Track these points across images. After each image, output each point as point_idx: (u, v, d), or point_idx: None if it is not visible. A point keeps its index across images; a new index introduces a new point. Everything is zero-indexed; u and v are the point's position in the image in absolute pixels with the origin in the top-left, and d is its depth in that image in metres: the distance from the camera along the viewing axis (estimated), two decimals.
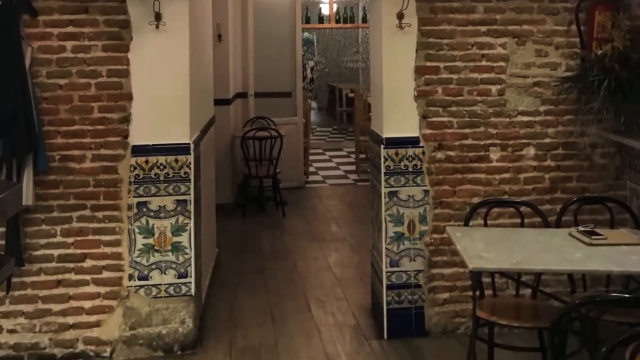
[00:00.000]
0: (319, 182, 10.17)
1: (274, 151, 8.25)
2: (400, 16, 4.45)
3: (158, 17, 4.23)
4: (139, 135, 4.38)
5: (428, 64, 4.63)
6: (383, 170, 4.62)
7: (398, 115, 4.64)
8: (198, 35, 4.97)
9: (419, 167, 4.65)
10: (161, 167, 4.37)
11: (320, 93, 22.18)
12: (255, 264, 6.35)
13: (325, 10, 13.33)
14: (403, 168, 4.63)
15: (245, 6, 9.19)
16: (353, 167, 11.18)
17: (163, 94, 4.36)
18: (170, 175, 4.38)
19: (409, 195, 4.64)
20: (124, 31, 4.30)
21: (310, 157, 11.04)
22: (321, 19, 12.73)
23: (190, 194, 4.41)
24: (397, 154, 4.62)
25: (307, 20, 12.38)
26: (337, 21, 12.56)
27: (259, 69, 9.36)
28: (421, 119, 4.66)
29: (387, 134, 4.64)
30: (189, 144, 4.41)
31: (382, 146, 4.62)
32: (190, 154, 4.41)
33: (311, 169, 10.91)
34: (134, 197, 4.37)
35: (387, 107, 4.63)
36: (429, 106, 4.66)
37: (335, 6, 12.37)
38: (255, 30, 9.31)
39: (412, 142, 4.65)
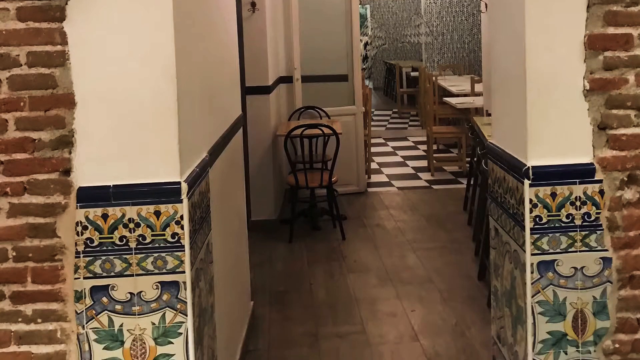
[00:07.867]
0: (384, 185, 8.24)
1: (328, 151, 6.39)
2: None
3: None
4: (89, 170, 2.44)
5: (611, 30, 2.55)
6: (529, 224, 2.61)
7: (554, 125, 2.60)
8: None
9: (593, 217, 2.61)
10: (131, 225, 2.43)
11: (375, 71, 20.42)
12: (306, 328, 4.40)
13: None
14: (565, 220, 2.60)
15: None
16: (424, 163, 9.24)
17: (129, 94, 2.41)
18: (148, 240, 2.44)
19: (575, 268, 2.62)
20: None
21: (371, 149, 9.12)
22: None
23: (184, 271, 2.47)
24: (554, 195, 2.60)
25: None
26: None
27: (306, 46, 7.49)
28: (597, 131, 2.60)
29: (534, 159, 2.61)
30: (178, 183, 2.45)
31: (527, 181, 2.61)
32: (181, 201, 2.45)
33: (373, 164, 9.01)
34: (85, 278, 2.44)
35: (535, 111, 2.59)
36: (611, 108, 2.59)
37: None
38: None
39: (582, 172, 2.60)
